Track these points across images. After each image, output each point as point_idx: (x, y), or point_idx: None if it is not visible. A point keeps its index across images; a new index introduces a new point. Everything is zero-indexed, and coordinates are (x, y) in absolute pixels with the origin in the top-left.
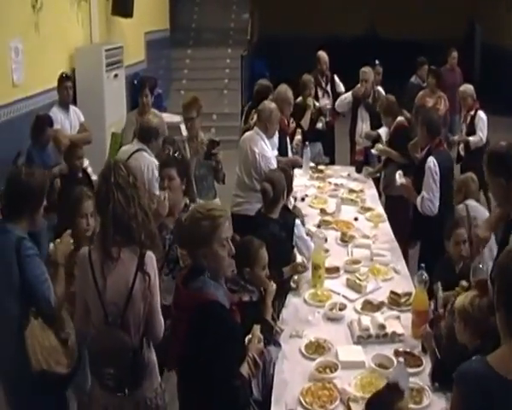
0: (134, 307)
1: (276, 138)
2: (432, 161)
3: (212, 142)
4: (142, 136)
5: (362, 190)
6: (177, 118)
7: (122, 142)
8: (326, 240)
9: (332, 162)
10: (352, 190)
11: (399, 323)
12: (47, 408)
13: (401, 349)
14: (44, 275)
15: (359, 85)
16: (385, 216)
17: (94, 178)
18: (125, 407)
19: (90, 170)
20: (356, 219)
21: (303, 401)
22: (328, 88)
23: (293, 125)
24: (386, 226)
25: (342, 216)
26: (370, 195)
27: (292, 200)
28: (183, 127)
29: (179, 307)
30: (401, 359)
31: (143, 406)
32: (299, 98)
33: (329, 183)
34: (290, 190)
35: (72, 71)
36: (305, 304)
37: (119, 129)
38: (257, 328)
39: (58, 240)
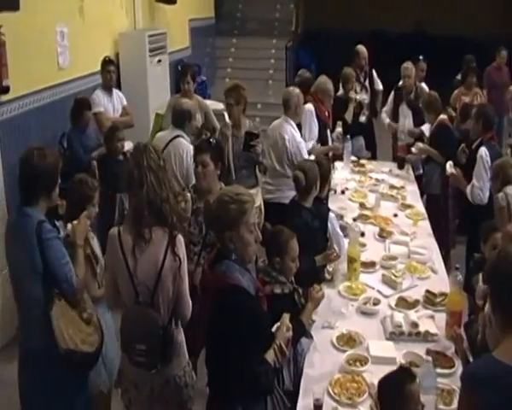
0: (163, 286)
1: (315, 130)
2: (483, 151)
3: (249, 134)
4: (177, 120)
5: (403, 187)
6: (220, 105)
7: (162, 124)
8: (363, 234)
9: (374, 157)
10: (392, 186)
11: (433, 322)
12: (71, 389)
13: (433, 349)
14: (65, 257)
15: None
16: (425, 214)
17: None
18: (154, 383)
19: None
20: (395, 215)
21: (331, 392)
22: (367, 83)
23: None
24: (425, 225)
25: (381, 211)
26: (411, 192)
27: (332, 192)
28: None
29: (204, 290)
30: (429, 358)
31: (173, 383)
32: (341, 91)
33: (370, 177)
34: (327, 181)
35: (116, 55)
36: (339, 296)
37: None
38: (286, 316)
39: (75, 221)
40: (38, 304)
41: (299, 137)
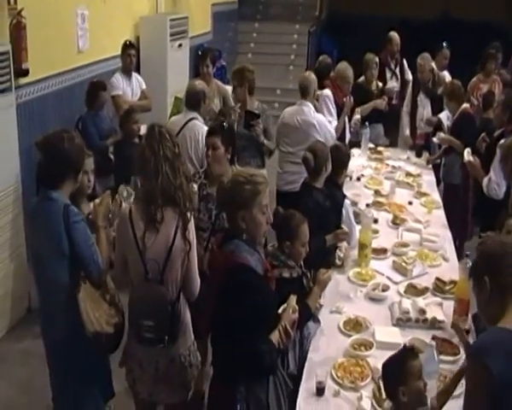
0: (173, 264)
1: (334, 112)
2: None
3: (250, 113)
4: (191, 102)
5: (419, 175)
6: None
7: (180, 108)
8: (376, 221)
9: (394, 145)
10: (408, 174)
11: (441, 310)
12: (95, 370)
13: (439, 336)
14: (91, 239)
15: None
16: (440, 203)
17: None
18: (160, 362)
19: None
20: (410, 203)
21: (334, 375)
22: (397, 71)
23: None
24: (440, 213)
25: (396, 199)
26: (427, 180)
27: (348, 179)
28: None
29: (212, 269)
30: (433, 342)
31: (178, 362)
32: (362, 78)
33: (387, 164)
34: (345, 167)
35: (137, 39)
36: (348, 281)
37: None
38: (293, 298)
39: (97, 201)
40: (64, 288)
41: (323, 118)
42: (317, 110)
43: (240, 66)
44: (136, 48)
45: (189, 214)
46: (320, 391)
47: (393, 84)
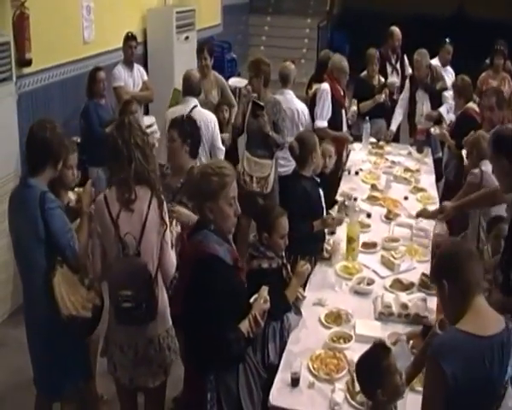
0: (148, 238)
1: (329, 110)
2: None
3: (255, 104)
4: (192, 90)
5: (418, 170)
6: (245, 82)
7: (179, 98)
8: (370, 215)
9: (396, 140)
10: (407, 169)
11: (425, 305)
12: (73, 353)
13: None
14: (67, 225)
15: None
16: (436, 199)
17: (157, 136)
18: (138, 343)
19: (155, 127)
20: (406, 198)
21: (310, 367)
22: (398, 66)
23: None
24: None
25: (392, 194)
26: (426, 176)
27: (346, 173)
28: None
29: (182, 258)
30: (403, 337)
31: (156, 343)
32: (364, 72)
33: (386, 159)
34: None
35: (144, 31)
36: (335, 275)
37: None
38: (264, 289)
39: (80, 189)
40: (41, 272)
41: (304, 106)
42: (315, 104)
43: (256, 58)
44: (137, 39)
45: (162, 196)
46: (295, 382)
47: (394, 79)
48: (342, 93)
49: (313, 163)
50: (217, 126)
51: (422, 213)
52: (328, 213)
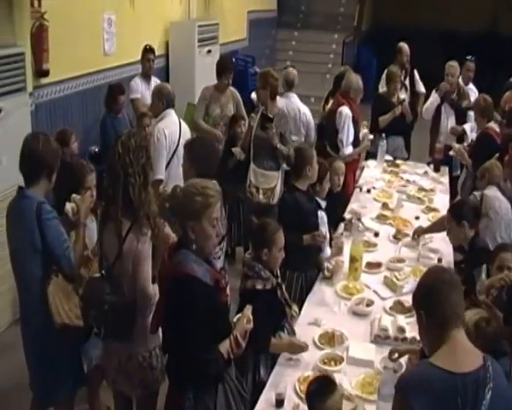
0: (122, 265)
1: (352, 136)
2: None
3: (264, 116)
4: (173, 104)
5: (432, 190)
6: None
7: (194, 114)
8: (377, 235)
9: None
10: (421, 189)
11: None
12: (66, 360)
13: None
14: (63, 236)
15: (444, 83)
16: None
17: None
18: (120, 355)
19: None
20: (417, 217)
21: (297, 388)
22: (407, 82)
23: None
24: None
25: (403, 213)
26: (440, 195)
27: (358, 190)
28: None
29: (161, 277)
30: (390, 365)
31: (136, 359)
32: (382, 89)
33: (401, 178)
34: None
35: (166, 44)
36: (335, 294)
37: None
38: (248, 309)
39: (78, 197)
40: (37, 281)
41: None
42: (332, 122)
43: (265, 70)
44: (154, 52)
45: (145, 229)
46: (279, 403)
47: (403, 95)
48: (359, 112)
49: (308, 177)
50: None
51: (417, 231)
52: (333, 230)
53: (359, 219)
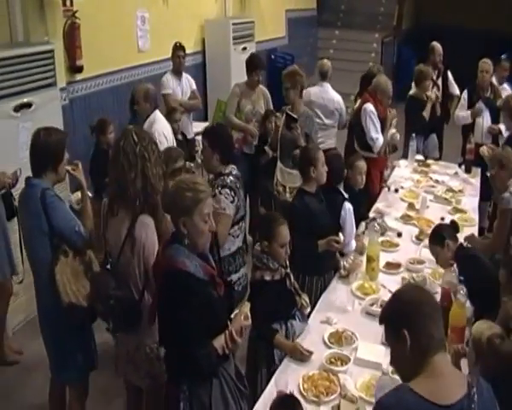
0: (126, 261)
1: (379, 127)
2: None
3: (289, 116)
4: (156, 103)
5: (461, 191)
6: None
7: (225, 110)
8: (400, 235)
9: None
10: (449, 189)
11: None
12: (77, 339)
13: None
14: (70, 214)
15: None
16: (475, 221)
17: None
18: (129, 346)
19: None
20: (442, 218)
21: (301, 386)
22: (439, 82)
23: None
24: (471, 232)
25: (429, 214)
26: (469, 197)
27: (386, 189)
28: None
29: (154, 272)
30: (386, 370)
31: (143, 350)
32: (413, 90)
33: (430, 178)
34: (341, 174)
35: (202, 41)
36: (350, 293)
37: None
38: (246, 305)
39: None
40: (46, 263)
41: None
42: (362, 124)
43: (292, 69)
44: (185, 50)
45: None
46: None
47: (434, 95)
48: (386, 114)
49: (313, 178)
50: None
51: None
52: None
53: (381, 219)
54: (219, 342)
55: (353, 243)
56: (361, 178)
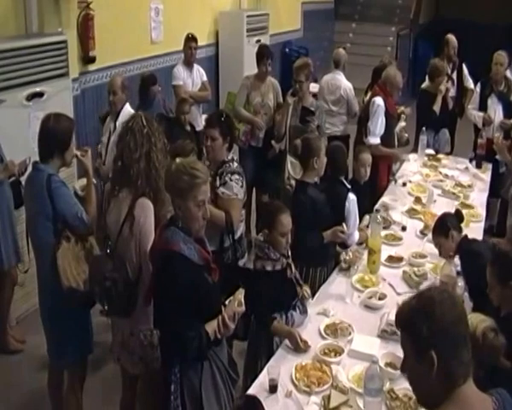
0: (124, 243)
1: (382, 127)
2: None
3: (306, 109)
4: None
5: (470, 186)
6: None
7: (235, 102)
8: (405, 228)
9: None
10: (458, 184)
11: None
12: (75, 324)
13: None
14: (73, 199)
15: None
16: (482, 217)
17: None
18: (124, 331)
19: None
20: None
21: (293, 375)
22: (454, 76)
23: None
24: (478, 228)
25: (436, 208)
26: (478, 192)
27: (393, 183)
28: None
29: (151, 253)
30: (376, 358)
31: (137, 336)
32: (426, 83)
33: (440, 172)
34: (344, 165)
35: (216, 33)
36: (349, 286)
37: None
38: (240, 292)
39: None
40: (49, 247)
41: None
42: (368, 117)
43: (304, 61)
44: (197, 41)
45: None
46: (272, 388)
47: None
48: (396, 107)
49: (315, 169)
50: None
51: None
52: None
53: (386, 213)
54: (212, 327)
55: (356, 235)
56: (364, 170)
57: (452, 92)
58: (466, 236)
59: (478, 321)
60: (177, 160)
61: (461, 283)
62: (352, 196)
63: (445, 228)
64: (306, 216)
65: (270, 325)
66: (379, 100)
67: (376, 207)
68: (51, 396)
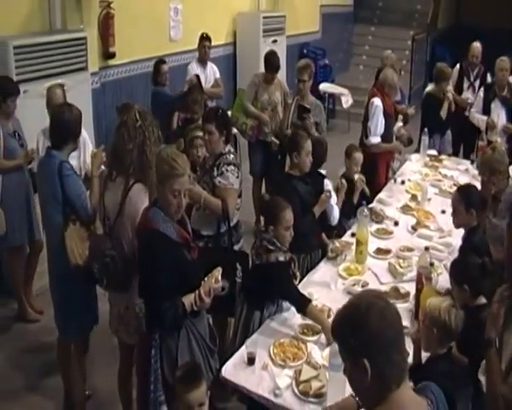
0: (121, 224)
1: (381, 126)
2: None
3: (302, 107)
4: None
5: None
6: (338, 89)
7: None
8: (397, 224)
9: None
10: (456, 184)
11: (411, 317)
12: (81, 298)
13: None
14: (81, 188)
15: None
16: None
17: None
18: (121, 305)
19: None
20: (443, 211)
21: (271, 351)
22: (476, 83)
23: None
24: None
25: (430, 206)
26: None
27: (392, 181)
28: (344, 99)
29: (137, 231)
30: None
31: (132, 310)
32: (430, 87)
33: (440, 173)
34: (322, 160)
35: (234, 33)
36: (336, 274)
37: None
38: (218, 270)
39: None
40: (58, 227)
41: None
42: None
43: (306, 62)
44: (210, 40)
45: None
46: (250, 361)
47: (468, 95)
48: (393, 107)
49: (295, 163)
50: None
51: None
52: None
53: (364, 204)
54: (189, 299)
55: (337, 209)
56: (356, 168)
57: (471, 99)
58: (478, 225)
59: (438, 303)
60: (163, 148)
61: (433, 273)
62: (327, 181)
63: (469, 202)
64: (294, 205)
65: (306, 306)
66: (377, 101)
67: (374, 203)
68: (60, 365)
